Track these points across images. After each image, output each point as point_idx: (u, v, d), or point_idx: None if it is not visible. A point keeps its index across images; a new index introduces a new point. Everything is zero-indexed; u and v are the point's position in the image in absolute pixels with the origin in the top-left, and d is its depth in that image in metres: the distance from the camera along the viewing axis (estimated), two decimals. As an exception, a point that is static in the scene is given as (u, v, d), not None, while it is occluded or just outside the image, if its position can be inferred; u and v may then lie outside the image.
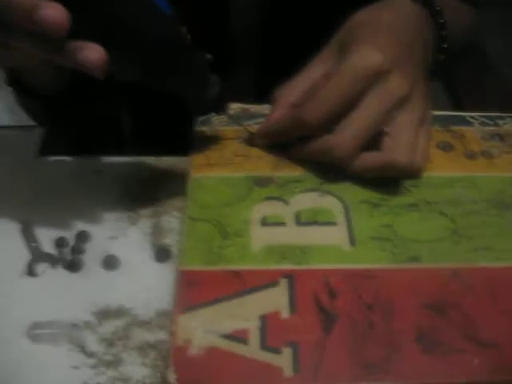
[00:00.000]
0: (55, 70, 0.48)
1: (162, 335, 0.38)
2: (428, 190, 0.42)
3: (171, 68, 0.38)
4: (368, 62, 0.40)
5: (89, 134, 0.58)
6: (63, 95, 0.52)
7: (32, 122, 0.64)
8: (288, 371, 0.31)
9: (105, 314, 0.39)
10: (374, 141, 0.41)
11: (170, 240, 0.44)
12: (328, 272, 0.36)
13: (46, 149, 0.63)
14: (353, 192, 0.41)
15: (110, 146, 0.56)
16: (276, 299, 0.34)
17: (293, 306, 0.34)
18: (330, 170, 0.42)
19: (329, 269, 0.36)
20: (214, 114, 0.46)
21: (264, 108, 0.48)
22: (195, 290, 0.34)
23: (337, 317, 0.33)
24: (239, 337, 0.32)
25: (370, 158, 0.40)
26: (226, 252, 0.37)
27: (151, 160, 0.51)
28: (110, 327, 0.39)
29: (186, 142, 0.46)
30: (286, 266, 0.36)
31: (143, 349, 0.37)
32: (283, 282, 0.35)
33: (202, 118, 0.47)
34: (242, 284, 0.35)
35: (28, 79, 0.50)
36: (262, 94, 0.45)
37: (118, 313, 0.39)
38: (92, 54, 0.33)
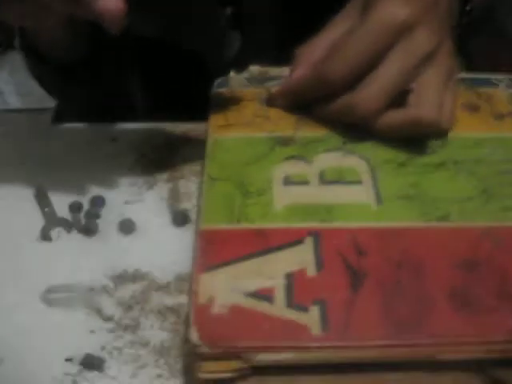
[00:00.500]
0: (72, 35, 0.47)
1: (180, 299, 0.37)
2: (455, 149, 0.40)
3: (189, 21, 0.37)
4: (394, 16, 0.38)
5: (102, 102, 0.56)
6: (79, 64, 0.51)
7: (41, 105, 0.63)
8: (316, 329, 0.29)
9: (121, 278, 0.38)
10: (399, 98, 0.39)
11: (187, 204, 0.43)
12: (355, 230, 0.34)
13: (59, 117, 0.62)
14: (378, 151, 0.39)
15: (124, 113, 0.55)
16: (302, 257, 0.32)
17: (319, 263, 0.32)
18: (354, 129, 0.40)
19: (355, 227, 0.34)
20: (232, 74, 0.45)
21: (284, 70, 0.46)
22: (217, 249, 0.33)
23: (365, 275, 0.32)
24: (264, 295, 0.31)
25: (394, 116, 0.39)
26: (248, 211, 0.35)
27: (167, 126, 0.50)
28: (127, 291, 0.38)
29: (203, 107, 0.45)
30: (311, 225, 0.34)
31: (162, 313, 0.36)
32: (308, 240, 0.33)
33: (219, 80, 0.46)
34: (265, 242, 0.33)
35: (42, 45, 0.49)
36: (282, 53, 0.44)
37: (135, 277, 0.38)
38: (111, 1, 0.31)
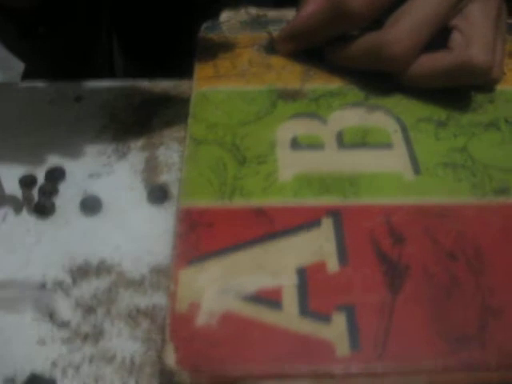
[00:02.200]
0: None
1: (157, 299, 0.29)
2: (507, 105, 0.32)
3: None
4: None
5: (70, 57, 0.48)
6: (37, 11, 0.42)
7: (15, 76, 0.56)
8: (342, 348, 0.21)
9: (82, 272, 0.30)
10: (438, 38, 0.30)
11: (167, 177, 0.34)
12: (388, 208, 0.26)
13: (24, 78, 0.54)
14: (409, 107, 0.31)
15: (95, 69, 0.46)
16: (319, 245, 0.24)
17: (343, 254, 0.24)
18: (378, 80, 0.32)
19: (388, 204, 0.26)
20: (224, 16, 0.36)
21: (287, 13, 0.37)
22: (203, 234, 0.24)
23: (407, 268, 0.23)
24: (269, 299, 0.22)
25: (435, 59, 0.30)
26: (245, 183, 0.27)
27: (144, 83, 0.41)
28: (88, 288, 0.29)
29: (189, 61, 0.36)
30: (330, 201, 0.26)
31: (133, 317, 0.28)
32: (327, 222, 0.25)
33: (208, 24, 0.37)
34: (269, 225, 0.25)
35: None
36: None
37: (100, 269, 0.30)
38: None
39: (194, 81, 0.33)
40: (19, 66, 0.56)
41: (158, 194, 0.33)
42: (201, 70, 0.33)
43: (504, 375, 0.21)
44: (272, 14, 0.38)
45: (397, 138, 0.29)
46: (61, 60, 0.50)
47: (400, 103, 0.31)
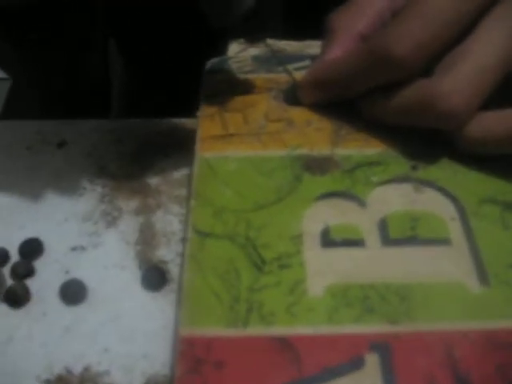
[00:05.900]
0: None
1: (155, 421, 0.23)
2: None
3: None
4: None
5: (63, 90, 0.43)
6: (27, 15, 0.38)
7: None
8: None
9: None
10: (498, 92, 0.24)
11: (165, 253, 0.29)
12: (449, 337, 0.20)
13: (9, 111, 0.49)
14: (468, 183, 0.25)
15: (92, 106, 0.41)
16: (363, 400, 0.18)
17: (395, 411, 0.18)
18: (426, 143, 0.26)
19: (449, 330, 0.20)
20: (234, 49, 0.30)
21: (309, 45, 0.31)
22: (211, 379, 0.18)
23: None
24: None
25: (503, 119, 0.24)
26: (264, 299, 0.21)
27: (137, 124, 0.35)
28: (71, 409, 0.23)
29: (192, 100, 0.30)
30: (375, 327, 0.20)
31: None
32: (372, 361, 0.19)
33: (214, 61, 0.31)
34: (296, 365, 0.19)
35: None
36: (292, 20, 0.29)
37: (84, 380, 0.24)
38: None
39: (197, 142, 0.27)
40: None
41: (154, 279, 0.27)
42: (205, 125, 0.27)
43: None
44: (292, 46, 0.32)
45: (455, 228, 0.23)
46: (51, 71, 0.45)
47: (456, 177, 0.25)
